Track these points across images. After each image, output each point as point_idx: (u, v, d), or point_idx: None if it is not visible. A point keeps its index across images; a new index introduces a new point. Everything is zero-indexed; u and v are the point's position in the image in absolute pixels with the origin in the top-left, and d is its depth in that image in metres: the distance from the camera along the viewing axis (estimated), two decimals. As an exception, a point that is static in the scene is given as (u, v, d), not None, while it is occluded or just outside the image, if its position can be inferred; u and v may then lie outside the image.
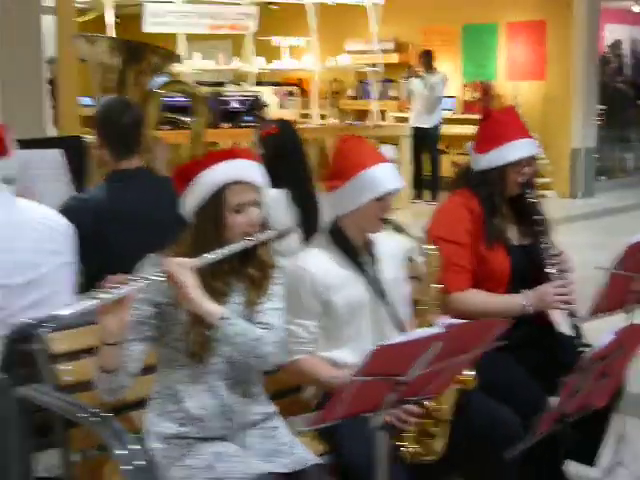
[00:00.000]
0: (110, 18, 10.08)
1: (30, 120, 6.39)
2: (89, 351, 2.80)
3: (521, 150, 3.27)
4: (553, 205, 9.96)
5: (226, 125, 9.64)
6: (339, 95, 14.08)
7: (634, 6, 13.42)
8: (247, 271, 2.51)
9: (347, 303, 2.79)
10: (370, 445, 2.48)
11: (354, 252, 2.85)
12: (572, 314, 3.22)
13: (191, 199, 2.48)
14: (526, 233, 3.36)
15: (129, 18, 11.08)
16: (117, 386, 2.39)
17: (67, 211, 3.31)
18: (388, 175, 2.80)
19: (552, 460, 3.00)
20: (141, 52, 4.17)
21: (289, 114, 11.50)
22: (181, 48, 10.56)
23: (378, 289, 2.84)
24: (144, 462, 2.38)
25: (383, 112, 12.39)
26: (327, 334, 2.81)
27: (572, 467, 3.35)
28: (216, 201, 2.44)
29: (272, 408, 2.61)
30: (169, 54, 4.47)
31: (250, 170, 2.49)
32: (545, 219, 3.33)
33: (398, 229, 2.81)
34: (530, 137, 3.33)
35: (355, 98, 14.09)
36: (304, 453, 2.45)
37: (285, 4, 12.19)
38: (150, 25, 10.49)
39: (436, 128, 10.60)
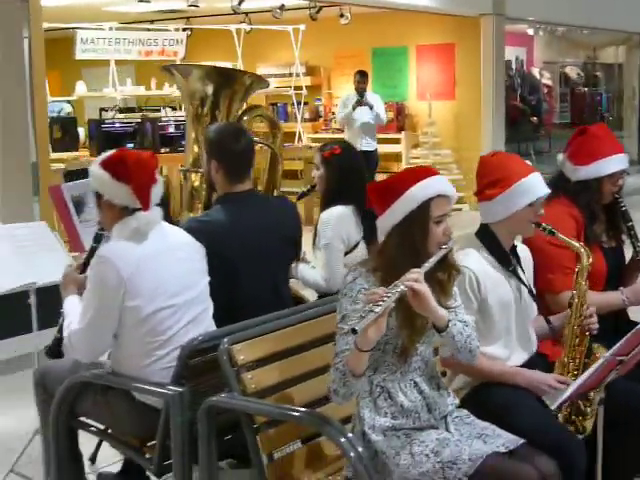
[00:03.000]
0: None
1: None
2: (265, 360, 3.03)
3: (617, 164, 3.67)
4: (466, 217, 10.56)
5: (163, 150, 9.76)
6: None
7: (528, 29, 14.31)
8: (436, 275, 2.76)
9: (499, 302, 3.11)
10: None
11: (505, 255, 3.17)
12: None
13: (396, 212, 2.71)
14: (613, 237, 3.75)
15: (54, 42, 10.99)
16: (356, 389, 2.61)
17: (190, 232, 3.46)
18: (540, 182, 3.15)
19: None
20: (232, 78, 4.33)
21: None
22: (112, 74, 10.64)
23: (523, 289, 3.17)
24: (365, 449, 2.62)
25: (299, 134, 12.72)
26: (479, 331, 3.10)
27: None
28: (423, 212, 2.69)
29: (457, 400, 2.89)
30: (258, 78, 4.62)
31: (448, 185, 2.76)
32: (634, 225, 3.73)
33: (551, 232, 3.15)
34: (623, 152, 3.72)
35: (267, 121, 14.34)
36: (507, 434, 2.73)
37: (205, 30, 12.42)
38: (81, 52, 10.50)
39: (376, 150, 10.98)
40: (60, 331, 3.41)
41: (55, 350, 3.46)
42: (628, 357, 2.45)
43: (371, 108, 10.67)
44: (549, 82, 16.86)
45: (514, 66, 15.91)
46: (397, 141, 12.94)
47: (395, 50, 13.37)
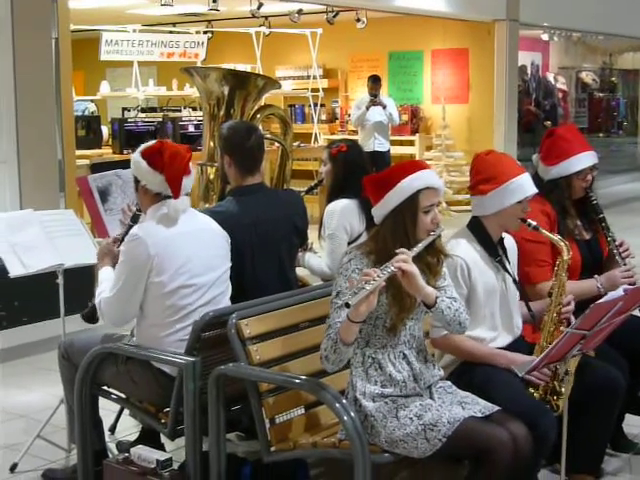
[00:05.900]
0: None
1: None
2: (269, 335, 3.35)
3: (585, 161, 3.95)
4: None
5: (183, 148, 10.10)
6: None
7: (543, 35, 14.57)
8: (426, 259, 3.07)
9: (485, 288, 3.41)
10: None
11: (493, 246, 3.47)
12: None
13: (389, 202, 3.02)
14: (587, 229, 4.03)
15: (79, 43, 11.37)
16: (345, 357, 2.92)
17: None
18: (529, 182, 3.45)
19: (611, 411, 3.61)
20: (246, 80, 4.66)
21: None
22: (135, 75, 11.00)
23: (507, 277, 3.48)
24: (356, 413, 2.93)
25: (316, 135, 13.04)
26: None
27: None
28: (412, 203, 3.00)
29: (442, 372, 3.19)
30: (270, 80, 4.95)
31: (436, 178, 3.07)
32: (605, 217, 4.00)
33: (535, 228, 3.45)
34: (591, 149, 4.00)
35: (285, 122, 14.68)
36: (485, 402, 3.03)
37: (226, 33, 12.77)
38: (106, 53, 10.87)
39: (389, 150, 11.28)
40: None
41: (90, 315, 3.83)
42: (590, 332, 2.74)
43: (384, 108, 10.95)
44: (564, 87, 17.10)
45: (529, 71, 16.19)
46: (411, 143, 13.27)
47: (411, 54, 13.69)
